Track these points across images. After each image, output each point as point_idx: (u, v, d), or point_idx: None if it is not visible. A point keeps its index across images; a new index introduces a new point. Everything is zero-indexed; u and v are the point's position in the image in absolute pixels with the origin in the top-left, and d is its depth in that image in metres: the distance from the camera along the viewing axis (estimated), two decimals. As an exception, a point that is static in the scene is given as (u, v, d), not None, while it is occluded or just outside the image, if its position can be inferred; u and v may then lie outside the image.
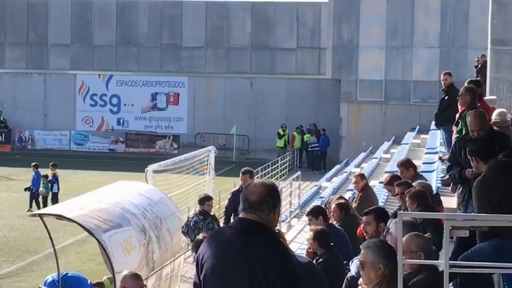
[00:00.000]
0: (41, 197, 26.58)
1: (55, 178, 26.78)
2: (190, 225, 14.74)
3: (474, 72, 26.02)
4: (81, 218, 13.84)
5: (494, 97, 17.30)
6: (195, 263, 5.11)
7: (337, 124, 41.01)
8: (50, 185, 26.58)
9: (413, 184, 10.24)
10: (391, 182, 11.10)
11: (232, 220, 14.98)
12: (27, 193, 26.88)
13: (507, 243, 6.61)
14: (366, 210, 8.83)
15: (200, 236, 11.78)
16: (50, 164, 27.50)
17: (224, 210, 15.61)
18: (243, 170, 15.21)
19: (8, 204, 28.05)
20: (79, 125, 45.62)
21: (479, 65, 25.71)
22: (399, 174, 11.83)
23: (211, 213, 15.72)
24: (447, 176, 9.05)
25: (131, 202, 15.60)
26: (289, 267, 4.77)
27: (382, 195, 15.30)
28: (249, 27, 44.78)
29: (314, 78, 43.67)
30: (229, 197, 15.57)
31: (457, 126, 11.92)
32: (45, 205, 25.53)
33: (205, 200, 15.43)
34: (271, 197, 4.86)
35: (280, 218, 20.71)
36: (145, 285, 7.53)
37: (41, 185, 26.59)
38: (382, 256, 5.49)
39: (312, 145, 40.11)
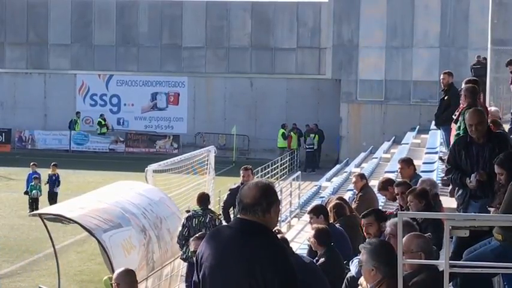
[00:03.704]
0: (30, 198, 26.02)
1: (56, 178, 26.58)
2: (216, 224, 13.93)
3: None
4: (81, 217, 13.86)
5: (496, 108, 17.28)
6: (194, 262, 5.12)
7: (337, 124, 41.01)
8: (40, 186, 26.12)
9: (420, 180, 10.27)
10: (385, 187, 11.14)
11: (231, 217, 15.04)
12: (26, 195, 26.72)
13: (509, 249, 6.58)
14: (364, 212, 8.86)
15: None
16: (52, 164, 27.32)
17: (222, 206, 15.62)
18: (244, 166, 15.44)
19: (8, 204, 28.04)
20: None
21: (473, 64, 25.75)
22: (399, 170, 11.85)
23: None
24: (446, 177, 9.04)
25: (131, 202, 15.62)
26: (287, 267, 4.76)
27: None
28: (249, 27, 44.78)
29: (314, 78, 43.66)
30: (228, 193, 15.61)
31: (456, 123, 11.94)
32: (36, 207, 24.91)
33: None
34: (265, 198, 4.83)
35: (280, 218, 20.75)
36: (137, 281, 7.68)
37: (32, 186, 26.09)
38: (373, 259, 5.54)
39: (308, 145, 40.16)
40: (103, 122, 44.58)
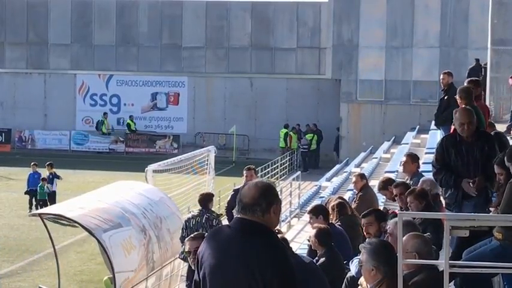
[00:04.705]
0: (38, 198, 26.04)
1: (52, 176, 26.51)
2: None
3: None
4: (81, 217, 13.86)
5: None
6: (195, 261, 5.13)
7: (337, 124, 41.00)
8: (46, 186, 26.11)
9: (421, 180, 10.27)
10: (385, 187, 11.14)
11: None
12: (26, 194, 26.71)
13: (508, 248, 6.58)
14: (365, 212, 8.86)
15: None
16: (46, 163, 27.23)
17: (226, 206, 15.68)
18: (248, 166, 15.47)
19: (8, 204, 28.04)
20: (79, 124, 45.60)
21: (484, 64, 25.75)
22: (402, 163, 11.84)
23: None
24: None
25: (131, 202, 15.62)
26: (286, 267, 4.76)
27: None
28: (249, 27, 44.77)
29: (314, 78, 43.66)
30: (232, 193, 15.65)
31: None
32: (45, 205, 25.14)
33: None
34: (264, 198, 4.82)
35: (280, 218, 20.74)
36: None
37: (44, 187, 26.06)
38: (373, 258, 5.53)
39: (303, 146, 40.13)
40: (132, 124, 44.56)
